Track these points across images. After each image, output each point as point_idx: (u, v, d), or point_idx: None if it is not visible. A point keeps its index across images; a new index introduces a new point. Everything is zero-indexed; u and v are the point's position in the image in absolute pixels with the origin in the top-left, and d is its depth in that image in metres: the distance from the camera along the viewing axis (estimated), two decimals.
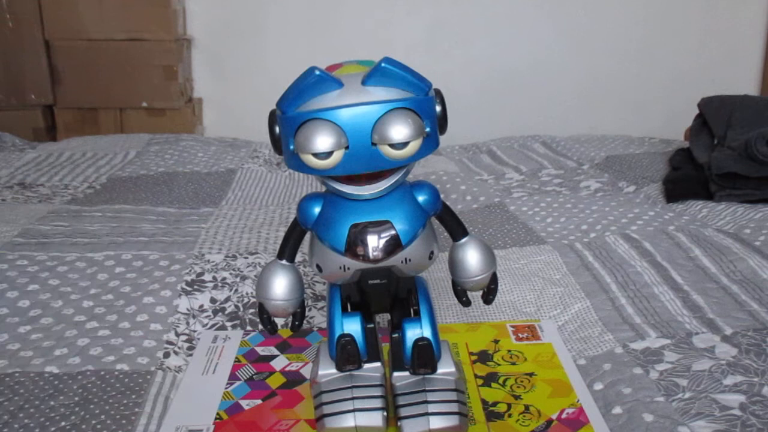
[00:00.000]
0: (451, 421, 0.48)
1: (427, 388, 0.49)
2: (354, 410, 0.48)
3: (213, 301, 0.76)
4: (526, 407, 0.57)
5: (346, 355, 0.49)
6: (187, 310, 0.74)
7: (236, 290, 0.78)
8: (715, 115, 1.28)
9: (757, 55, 2.20)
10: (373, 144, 0.42)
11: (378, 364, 0.50)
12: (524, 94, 2.17)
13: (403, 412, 0.48)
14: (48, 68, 1.94)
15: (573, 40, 2.14)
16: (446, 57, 2.11)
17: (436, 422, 0.48)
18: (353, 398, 0.48)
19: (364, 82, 0.42)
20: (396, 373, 0.50)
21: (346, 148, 0.42)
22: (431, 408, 0.48)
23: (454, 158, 1.43)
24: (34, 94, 1.96)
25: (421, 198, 0.47)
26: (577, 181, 1.23)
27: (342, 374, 0.50)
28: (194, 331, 0.71)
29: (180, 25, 2.01)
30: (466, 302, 0.53)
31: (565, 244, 0.90)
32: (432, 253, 0.48)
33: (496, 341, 0.67)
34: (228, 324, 0.72)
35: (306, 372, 0.62)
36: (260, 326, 0.68)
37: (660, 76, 2.18)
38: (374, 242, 0.45)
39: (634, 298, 0.75)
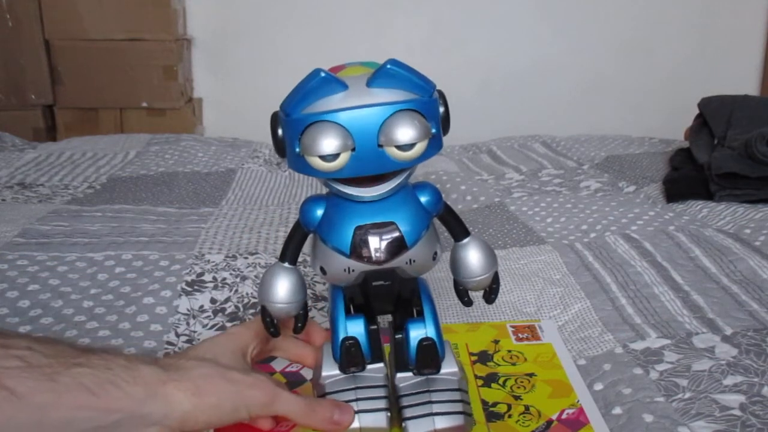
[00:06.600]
0: (456, 420, 0.48)
1: (431, 389, 0.49)
2: (358, 411, 0.48)
3: (213, 301, 0.76)
4: (526, 408, 0.57)
5: (350, 357, 0.49)
6: (187, 310, 0.74)
7: (236, 290, 0.78)
8: (715, 115, 1.28)
9: (757, 55, 2.20)
10: (380, 146, 0.42)
11: (381, 365, 0.50)
12: (524, 94, 2.17)
13: (408, 412, 0.48)
14: (48, 68, 1.94)
15: (572, 40, 2.15)
16: (446, 57, 2.11)
17: (441, 422, 0.48)
18: (357, 399, 0.48)
19: (369, 84, 0.42)
20: (399, 374, 0.50)
21: (353, 150, 0.42)
22: (436, 408, 0.48)
23: (454, 158, 1.43)
24: (34, 94, 1.96)
25: (423, 199, 0.47)
26: (577, 181, 1.23)
27: (345, 375, 0.50)
28: (194, 332, 0.71)
29: (180, 25, 2.01)
30: (467, 302, 0.53)
31: (565, 244, 0.90)
32: (435, 253, 0.48)
33: (496, 341, 0.67)
34: (228, 324, 0.72)
35: (306, 373, 0.62)
36: None
37: (660, 76, 2.18)
38: (379, 244, 0.45)
39: (634, 298, 0.75)
